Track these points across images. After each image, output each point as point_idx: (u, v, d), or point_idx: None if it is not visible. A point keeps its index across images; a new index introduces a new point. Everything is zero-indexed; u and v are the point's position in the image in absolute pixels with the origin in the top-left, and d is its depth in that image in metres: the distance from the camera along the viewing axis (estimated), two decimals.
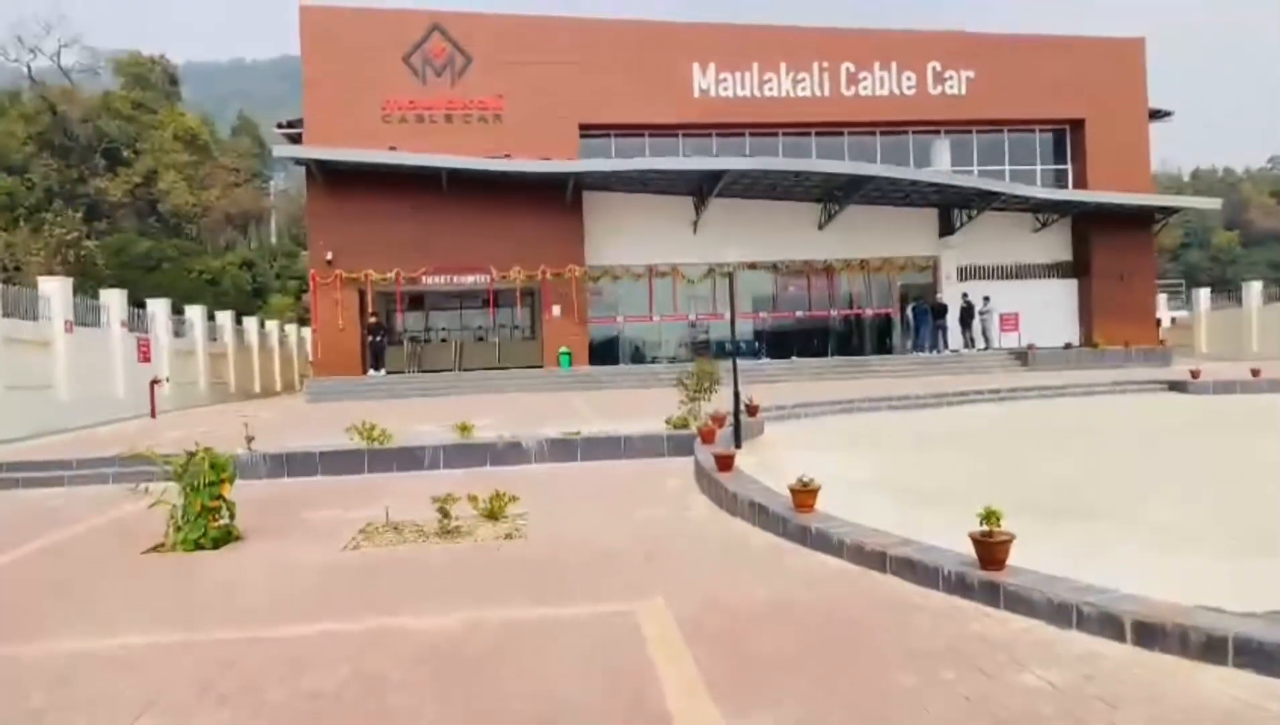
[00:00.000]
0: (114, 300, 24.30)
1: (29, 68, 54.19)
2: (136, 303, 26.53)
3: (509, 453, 13.31)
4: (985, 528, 5.91)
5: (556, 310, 30.49)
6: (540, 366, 30.08)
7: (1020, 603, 5.51)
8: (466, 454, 13.25)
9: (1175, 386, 22.71)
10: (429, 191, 29.48)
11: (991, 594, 5.69)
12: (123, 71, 58.28)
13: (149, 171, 53.76)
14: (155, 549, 8.32)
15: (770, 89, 32.24)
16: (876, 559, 6.54)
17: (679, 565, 7.13)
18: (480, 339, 32.16)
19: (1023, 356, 30.45)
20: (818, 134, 33.09)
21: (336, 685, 4.78)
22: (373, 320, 29.58)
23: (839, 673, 4.80)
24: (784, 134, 32.91)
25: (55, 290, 21.34)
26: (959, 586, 5.91)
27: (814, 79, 32.44)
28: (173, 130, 55.53)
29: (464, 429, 13.91)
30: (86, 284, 33.74)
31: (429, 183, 29.36)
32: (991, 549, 5.85)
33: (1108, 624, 5.04)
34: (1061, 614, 5.26)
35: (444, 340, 32.11)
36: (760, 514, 8.22)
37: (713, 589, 6.37)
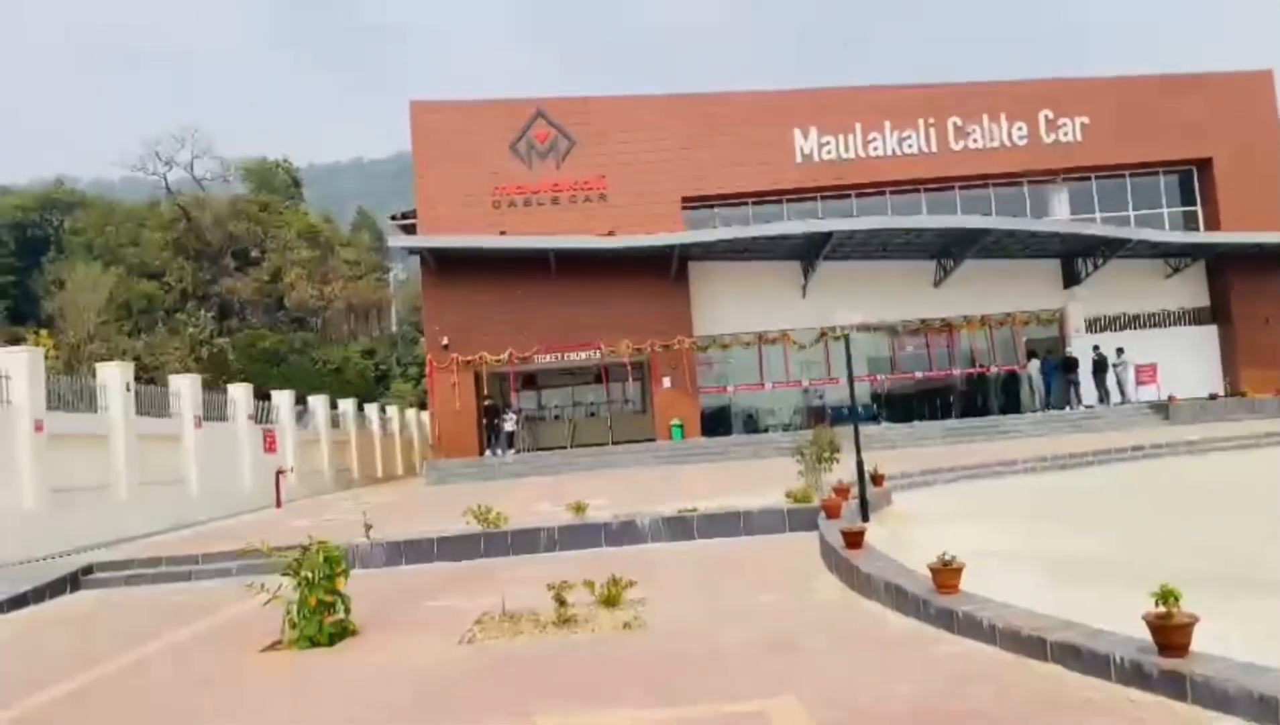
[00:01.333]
0: (241, 394, 25.11)
1: (165, 179, 57.85)
2: (263, 395, 27.41)
3: (624, 532, 12.93)
4: (1162, 608, 5.22)
5: (667, 382, 30.24)
6: (653, 439, 29.75)
7: (1212, 696, 4.79)
8: (581, 535, 12.94)
9: None
10: (538, 272, 29.85)
11: (1176, 686, 4.98)
12: (250, 177, 61.68)
13: (275, 269, 56.35)
14: (272, 647, 8.19)
15: (875, 149, 31.76)
16: (1035, 645, 5.86)
17: (811, 657, 6.57)
18: (592, 415, 32.11)
19: (1163, 410, 28.65)
20: (927, 190, 32.35)
21: None
22: (487, 402, 29.86)
23: None
24: (892, 193, 32.28)
25: (186, 387, 22.16)
26: (1135, 677, 5.21)
27: (920, 136, 31.85)
28: (296, 229, 58.22)
29: (578, 509, 13.62)
30: (219, 379, 35.15)
31: (538, 264, 29.74)
32: (1171, 633, 5.15)
33: None
34: (1266, 710, 4.53)
35: (557, 417, 32.17)
36: (898, 596, 7.60)
37: (851, 685, 5.80)
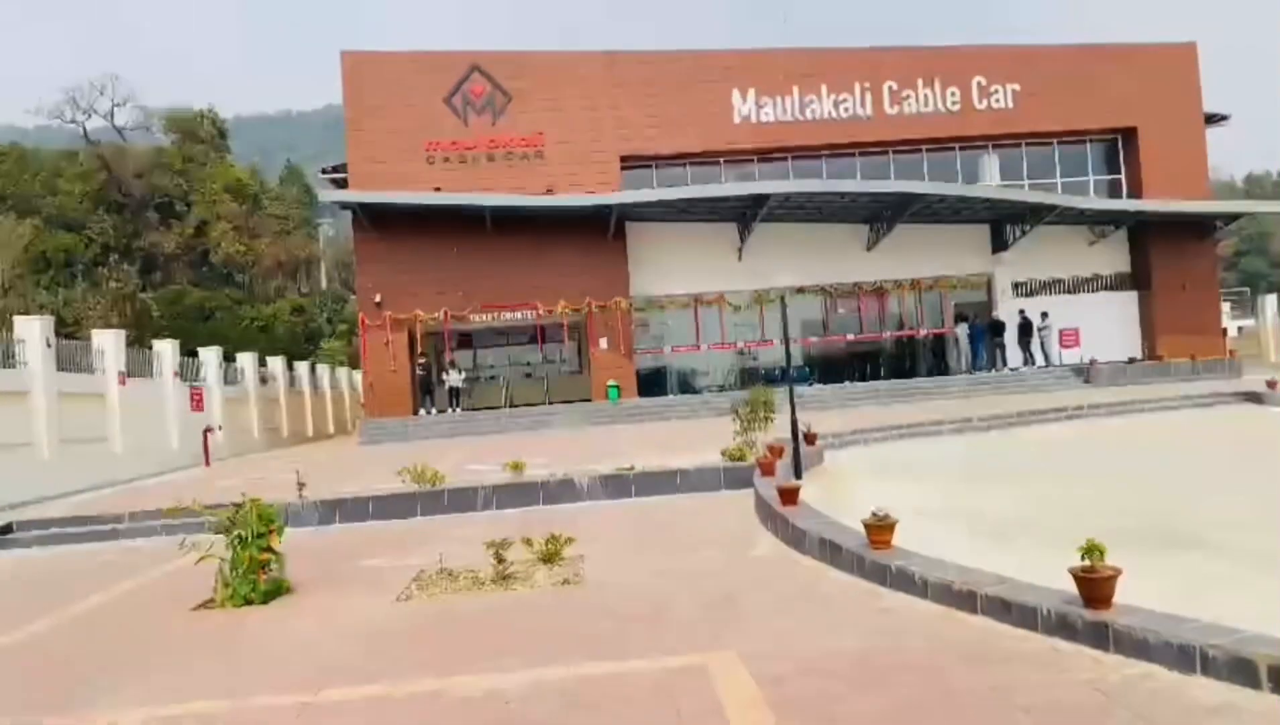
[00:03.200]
0: (166, 350, 24.47)
1: (84, 128, 55.63)
2: (190, 352, 26.72)
3: (562, 491, 12.95)
4: (1087, 561, 5.41)
5: (603, 343, 30.20)
6: (589, 400, 29.76)
7: (1133, 646, 4.99)
8: (519, 494, 12.93)
9: (1252, 398, 21.76)
10: (474, 231, 29.45)
11: (1099, 636, 5.18)
12: (173, 127, 59.58)
13: (200, 223, 54.74)
14: (204, 605, 8.06)
15: (812, 111, 31.85)
16: (966, 599, 6.04)
17: (749, 611, 6.68)
18: (529, 375, 31.94)
19: (1084, 373, 29.51)
20: (862, 155, 32.59)
21: None
22: (422, 360, 29.53)
23: None
24: (827, 156, 32.46)
25: (109, 343, 21.49)
26: (1061, 628, 5.40)
27: (856, 100, 32.01)
28: (222, 182, 56.52)
29: (516, 467, 13.60)
30: (144, 336, 34.16)
31: (473, 222, 29.33)
32: (1096, 585, 5.34)
33: (1240, 669, 4.51)
34: (1184, 658, 4.74)
35: (493, 378, 31.95)
36: (832, 552, 7.75)
37: (789, 639, 5.91)
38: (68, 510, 14.42)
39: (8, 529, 13.07)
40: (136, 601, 8.72)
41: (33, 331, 18.67)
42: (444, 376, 29.84)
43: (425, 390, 29.80)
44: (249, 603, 7.96)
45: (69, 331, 38.49)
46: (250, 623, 7.48)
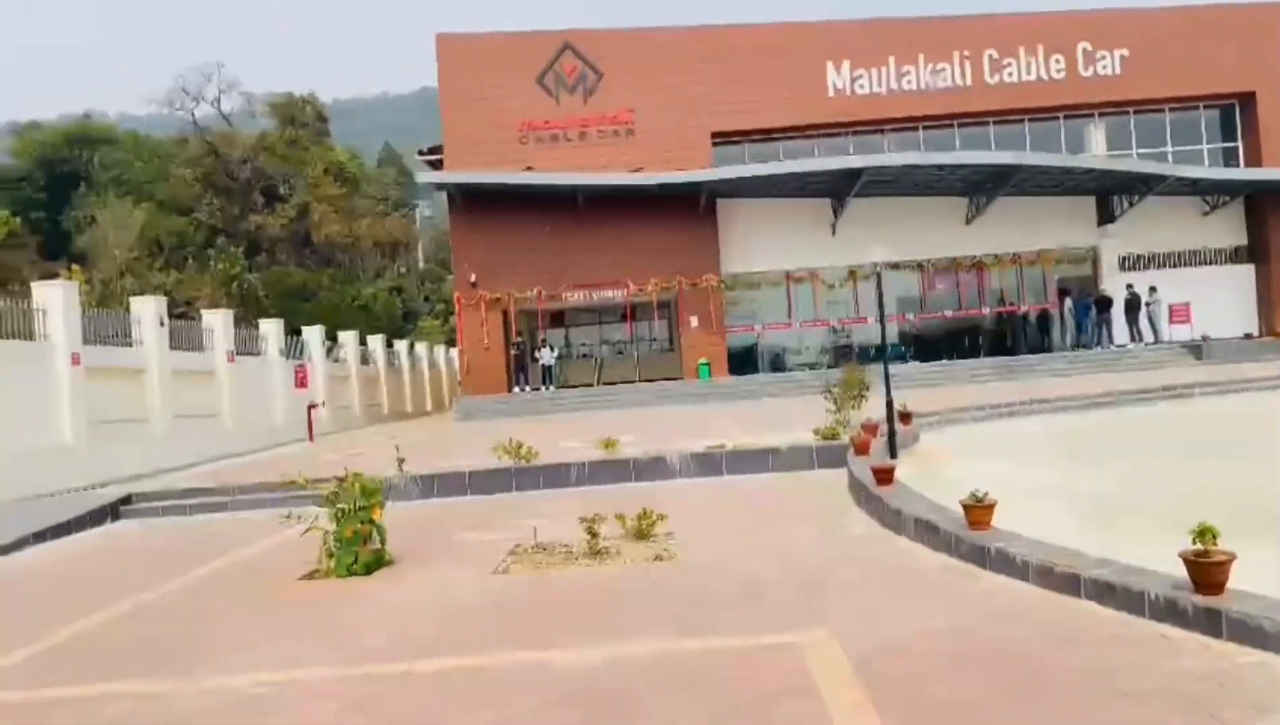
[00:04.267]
0: (272, 330, 25.34)
1: (193, 115, 57.65)
2: (294, 331, 27.61)
3: (653, 468, 13.01)
4: (1199, 545, 5.20)
5: (694, 321, 30.15)
6: (680, 378, 29.78)
7: (1249, 633, 4.79)
8: (611, 470, 13.03)
9: None
10: (565, 209, 29.66)
11: (1211, 623, 4.98)
12: (277, 113, 61.35)
13: (302, 205, 56.36)
14: (309, 576, 8.35)
15: (909, 82, 31.08)
16: (1069, 582, 5.87)
17: (842, 590, 6.62)
18: (620, 353, 32.12)
19: (1196, 350, 28.27)
20: (961, 125, 31.70)
21: None
22: (516, 339, 29.96)
23: (1043, 722, 4.22)
24: (925, 128, 31.66)
25: (218, 322, 22.36)
26: (1169, 613, 5.21)
27: (954, 69, 31.12)
28: (323, 166, 58.04)
29: (608, 445, 13.70)
30: (250, 315, 35.42)
31: (565, 201, 29.54)
32: (1208, 570, 5.13)
33: None
34: None
35: (585, 356, 32.23)
36: (929, 532, 7.61)
37: (883, 619, 5.84)
38: (181, 483, 15.08)
39: (127, 500, 13.73)
40: (246, 570, 9.09)
41: (148, 311, 19.53)
42: (537, 354, 30.23)
43: (519, 368, 30.23)
44: (352, 574, 8.22)
45: (180, 312, 40.14)
46: (353, 593, 7.72)
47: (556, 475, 13.03)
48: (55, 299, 16.55)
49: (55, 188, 58.52)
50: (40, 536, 11.68)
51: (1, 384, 14.58)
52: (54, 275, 25.04)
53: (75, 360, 16.52)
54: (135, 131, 63.83)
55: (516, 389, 29.81)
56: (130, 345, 18.80)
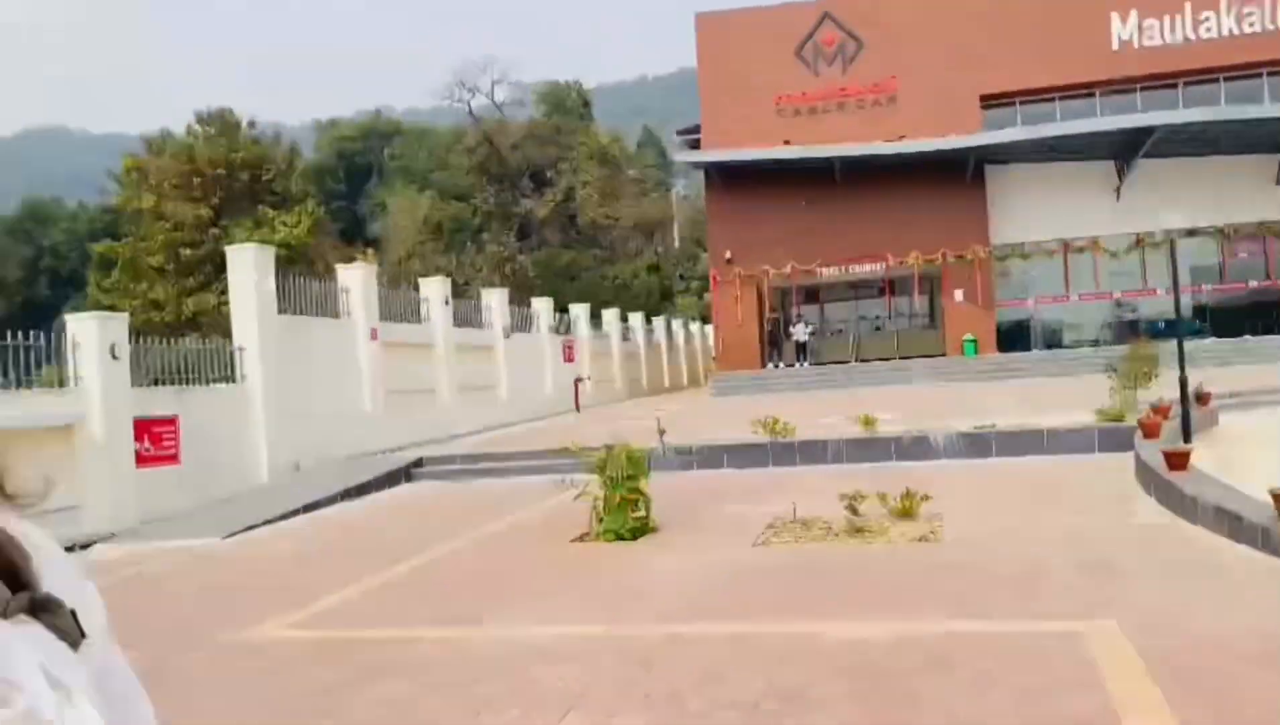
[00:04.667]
0: (543, 308, 26.79)
1: (469, 106, 61.67)
2: (561, 309, 29.03)
3: (915, 447, 12.64)
4: None
5: (959, 295, 28.87)
6: (942, 355, 28.64)
7: None
8: (869, 448, 12.79)
9: None
10: (822, 183, 29.21)
11: None
12: (544, 101, 64.43)
13: (568, 189, 58.98)
14: (581, 538, 8.81)
15: (1208, 30, 28.09)
16: None
17: (1131, 581, 6.18)
18: (877, 329, 31.33)
19: None
20: (1270, 74, 28.27)
21: (754, 696, 4.61)
22: (772, 316, 29.95)
23: None
24: (1226, 79, 28.50)
25: (495, 301, 23.92)
26: None
27: (1264, 12, 27.77)
28: (587, 150, 60.40)
29: (866, 422, 13.45)
30: (522, 294, 37.59)
31: (821, 174, 29.09)
32: None
33: None
34: None
35: (840, 332, 31.71)
36: (1230, 523, 6.94)
37: (1179, 613, 5.41)
38: (464, 449, 16.29)
39: (419, 463, 15.02)
40: (523, 531, 9.72)
41: (435, 291, 21.19)
42: (791, 330, 30.07)
43: (773, 344, 30.22)
44: (620, 538, 8.59)
45: (459, 292, 43.19)
46: (622, 557, 8.07)
47: (813, 451, 12.96)
48: (356, 280, 18.29)
49: (352, 178, 64.64)
50: (346, 494, 13.03)
51: (314, 357, 16.32)
52: (351, 259, 27.64)
53: (373, 335, 18.19)
54: (419, 124, 69.15)
55: (771, 365, 29.82)
56: (419, 322, 20.47)
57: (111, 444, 11.94)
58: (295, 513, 11.86)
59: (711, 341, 36.63)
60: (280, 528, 11.17)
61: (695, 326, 47.27)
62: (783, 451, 13.09)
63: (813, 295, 32.09)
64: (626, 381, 32.67)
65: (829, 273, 30.01)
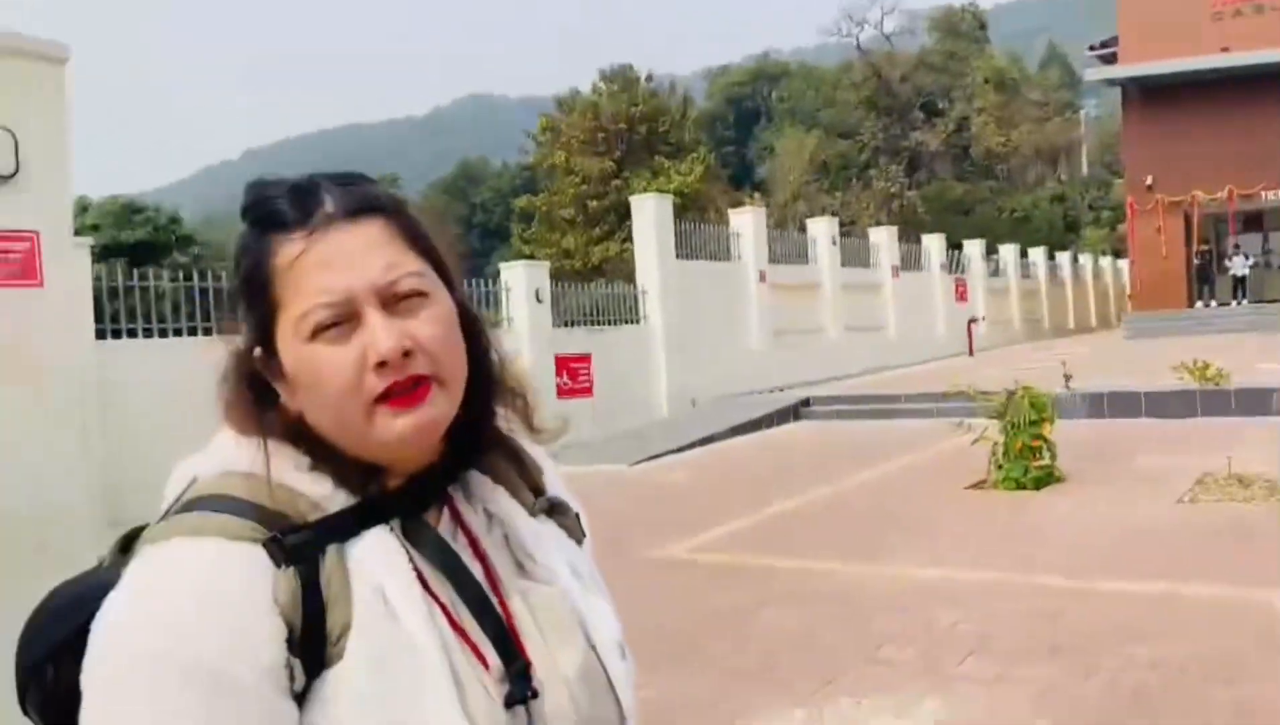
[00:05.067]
0: (933, 245, 25.86)
1: (857, 40, 60.39)
2: (952, 245, 27.81)
3: None
4: None
5: None
6: None
7: None
8: None
9: None
10: (1269, 94, 25.14)
11: None
12: (936, 27, 61.41)
13: (961, 118, 56.02)
14: (976, 485, 8.51)
15: None
16: None
17: None
18: None
19: None
20: None
21: (1179, 659, 4.24)
22: (1202, 247, 26.56)
23: None
24: None
25: (883, 239, 23.49)
26: None
27: None
28: (982, 75, 56.83)
29: None
30: (908, 232, 36.52)
31: (1268, 84, 25.02)
32: None
33: None
34: None
35: None
36: None
37: None
38: (851, 389, 16.28)
39: (806, 402, 15.26)
40: (914, 474, 9.59)
41: (821, 231, 21.24)
42: (1226, 263, 26.47)
43: (1202, 280, 26.82)
44: (1021, 487, 8.19)
45: (846, 231, 42.78)
46: (1022, 506, 7.71)
47: (1253, 401, 11.43)
48: (746, 224, 18.81)
49: (740, 123, 66.13)
50: (739, 429, 13.59)
51: (707, 299, 17.05)
52: (740, 203, 28.37)
53: (762, 277, 18.64)
54: (805, 63, 68.92)
55: (1199, 303, 26.54)
56: (806, 263, 20.63)
57: (537, 377, 13.28)
58: (693, 445, 12.60)
59: (1125, 277, 33.25)
60: (680, 458, 11.93)
61: (1105, 261, 43.16)
62: (1214, 400, 11.68)
63: (1254, 222, 27.96)
64: (1025, 322, 30.69)
65: (1274, 197, 25.96)
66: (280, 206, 0.86)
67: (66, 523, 3.70)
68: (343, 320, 0.83)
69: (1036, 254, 33.52)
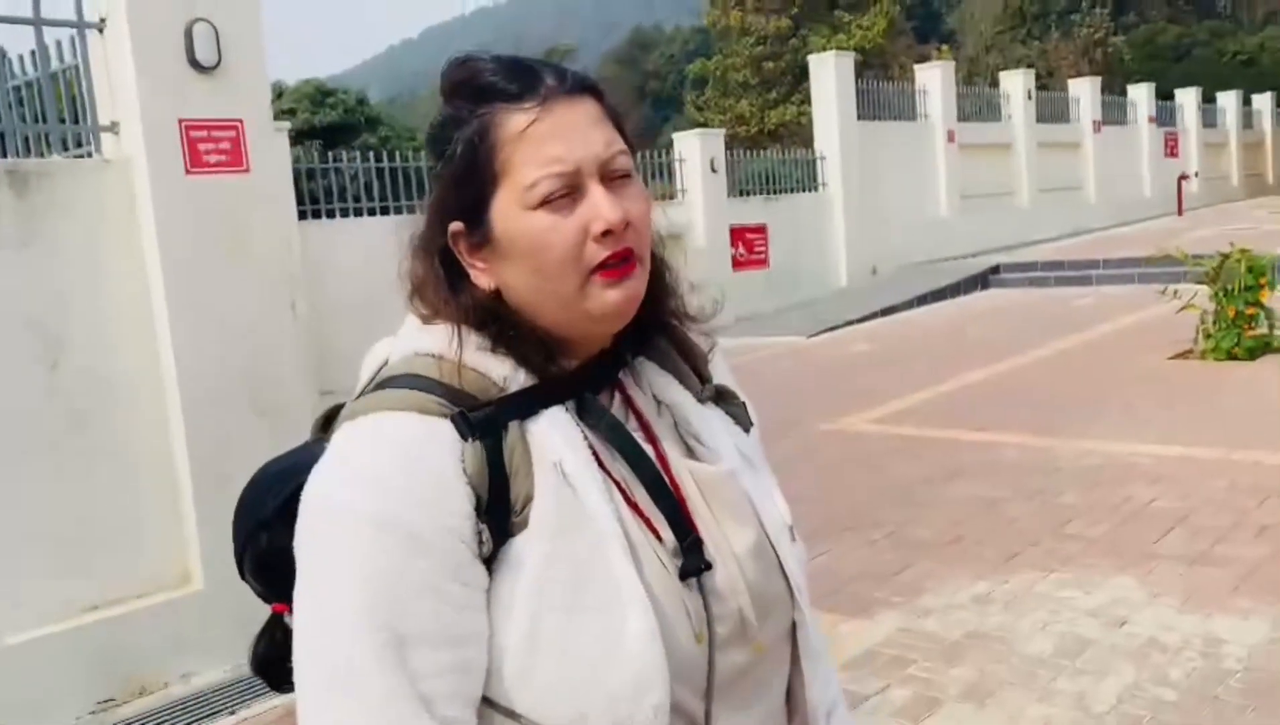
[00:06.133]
0: (1141, 96, 23.74)
1: None
2: (1163, 96, 25.42)
3: None
4: None
5: None
6: None
7: None
8: None
9: None
10: None
11: None
12: None
13: None
14: (1182, 356, 7.99)
15: None
16: None
17: None
18: None
19: None
20: None
21: None
22: None
23: None
24: None
25: (1085, 91, 21.70)
26: None
27: None
28: None
29: None
30: (1114, 81, 33.57)
31: None
32: None
33: None
34: None
35: None
36: None
37: None
38: (1045, 255, 15.41)
39: (995, 270, 14.58)
40: (1113, 343, 9.08)
41: (1016, 86, 19.78)
42: None
43: None
44: (1232, 357, 7.63)
45: (1042, 84, 39.66)
46: (1234, 377, 7.20)
47: None
48: (934, 80, 17.74)
49: None
50: (923, 299, 13.20)
51: (890, 163, 16.32)
52: (927, 57, 26.70)
53: (950, 137, 17.64)
54: None
55: None
56: (999, 120, 19.35)
57: (713, 250, 13.31)
58: (874, 316, 12.34)
59: None
60: (860, 329, 11.72)
61: None
62: None
63: None
64: (1246, 178, 27.98)
65: None
66: (499, 80, 0.88)
67: (283, 391, 4.02)
68: (569, 191, 0.86)
69: (1262, 101, 30.23)
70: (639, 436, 0.93)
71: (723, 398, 1.02)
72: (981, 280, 14.27)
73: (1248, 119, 28.94)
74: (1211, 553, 4.04)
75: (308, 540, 0.83)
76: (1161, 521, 4.43)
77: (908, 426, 6.81)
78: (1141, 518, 4.52)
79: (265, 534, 0.93)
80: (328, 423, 0.95)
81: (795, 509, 0.99)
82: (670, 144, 14.07)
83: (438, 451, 0.82)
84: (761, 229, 14.23)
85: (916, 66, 19.21)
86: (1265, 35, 48.84)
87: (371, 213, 9.66)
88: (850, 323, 12.03)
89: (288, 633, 0.86)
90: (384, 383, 0.88)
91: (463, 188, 0.89)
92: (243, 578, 0.98)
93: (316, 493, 0.84)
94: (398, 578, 0.79)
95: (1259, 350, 7.68)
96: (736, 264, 13.74)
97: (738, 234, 13.86)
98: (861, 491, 5.36)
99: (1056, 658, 3.28)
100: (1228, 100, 27.81)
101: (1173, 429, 5.98)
